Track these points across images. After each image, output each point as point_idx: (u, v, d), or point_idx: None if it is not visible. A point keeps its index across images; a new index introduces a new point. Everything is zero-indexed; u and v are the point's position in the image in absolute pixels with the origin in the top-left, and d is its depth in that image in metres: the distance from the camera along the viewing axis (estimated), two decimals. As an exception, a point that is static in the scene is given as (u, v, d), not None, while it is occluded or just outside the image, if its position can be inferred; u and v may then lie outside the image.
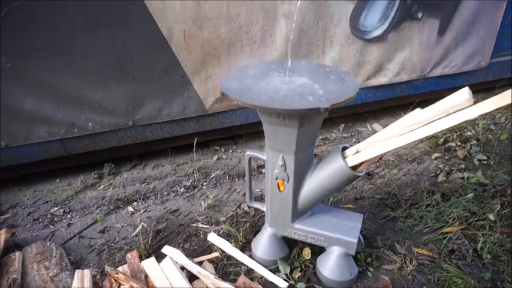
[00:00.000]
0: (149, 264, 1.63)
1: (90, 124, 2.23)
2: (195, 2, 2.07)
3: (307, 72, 1.54)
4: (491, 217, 1.94)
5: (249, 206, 2.06)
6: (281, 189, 1.57)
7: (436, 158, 2.58)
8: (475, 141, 2.71)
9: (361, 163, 1.42)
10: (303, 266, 1.72)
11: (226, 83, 1.42)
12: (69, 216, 2.19)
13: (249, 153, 1.68)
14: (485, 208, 2.01)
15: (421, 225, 1.95)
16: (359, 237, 1.74)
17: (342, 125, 3.01)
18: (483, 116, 1.30)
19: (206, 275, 1.60)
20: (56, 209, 2.23)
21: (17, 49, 1.92)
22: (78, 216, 2.18)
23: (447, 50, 2.92)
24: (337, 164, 1.43)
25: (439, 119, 1.22)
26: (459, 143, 2.66)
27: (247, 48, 2.33)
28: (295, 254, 1.80)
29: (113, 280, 1.56)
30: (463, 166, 2.44)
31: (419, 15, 2.64)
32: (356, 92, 1.31)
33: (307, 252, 1.77)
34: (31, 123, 2.11)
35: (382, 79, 2.81)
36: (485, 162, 2.51)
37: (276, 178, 1.55)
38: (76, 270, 1.62)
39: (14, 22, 1.85)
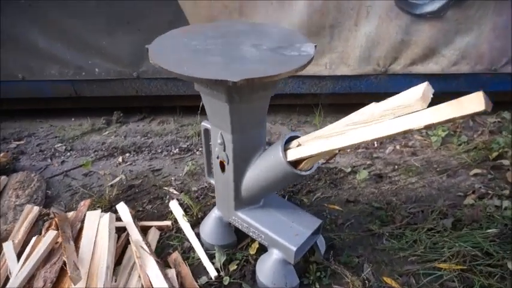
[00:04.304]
0: (90, 217, 1.62)
1: (96, 70, 2.26)
2: (205, -50, 1.88)
3: (259, 36, 1.27)
4: (510, 266, 1.48)
5: (208, 182, 1.91)
6: (223, 170, 1.38)
7: (475, 175, 2.05)
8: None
9: (303, 159, 1.16)
10: (243, 260, 1.53)
11: (159, 42, 1.25)
12: (68, 154, 2.30)
13: (204, 124, 1.50)
14: (508, 253, 1.54)
15: (409, 251, 1.58)
16: (318, 246, 1.49)
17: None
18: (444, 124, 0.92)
19: (136, 241, 1.53)
20: (60, 145, 2.37)
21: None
22: (74, 156, 2.28)
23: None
24: (276, 155, 1.18)
25: (384, 120, 0.90)
26: (515, 163, 2.07)
27: (262, 10, 2.06)
28: (245, 245, 1.61)
29: (54, 222, 1.59)
30: (506, 192, 1.90)
31: (498, -10, 2.03)
32: (292, 69, 1.03)
33: (254, 247, 1.57)
34: (44, 61, 2.21)
35: (433, 67, 2.29)
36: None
37: (217, 157, 1.37)
38: (26, 205, 1.69)
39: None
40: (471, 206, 1.83)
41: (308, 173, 1.19)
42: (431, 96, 0.83)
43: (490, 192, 1.90)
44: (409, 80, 2.35)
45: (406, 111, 0.84)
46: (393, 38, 2.16)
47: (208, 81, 0.98)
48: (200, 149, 2.31)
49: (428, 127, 0.79)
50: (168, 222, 1.74)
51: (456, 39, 2.19)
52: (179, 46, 1.20)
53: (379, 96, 2.61)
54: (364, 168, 2.08)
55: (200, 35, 1.29)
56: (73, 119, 2.62)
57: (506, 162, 2.10)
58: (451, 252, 1.54)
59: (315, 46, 1.19)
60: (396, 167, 2.13)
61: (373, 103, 0.99)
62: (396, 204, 1.83)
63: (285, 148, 1.19)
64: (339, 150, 1.05)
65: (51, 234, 1.47)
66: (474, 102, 0.70)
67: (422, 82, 2.51)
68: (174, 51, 1.17)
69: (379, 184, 2.00)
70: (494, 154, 2.16)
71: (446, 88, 2.40)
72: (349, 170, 2.06)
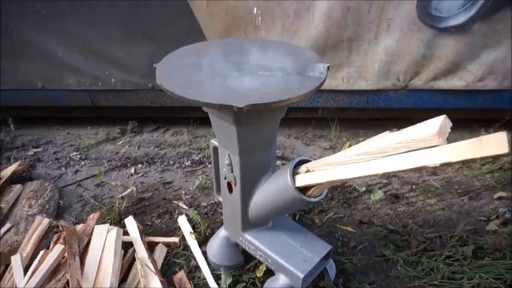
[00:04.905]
0: (98, 231, 1.61)
1: (112, 80, 2.27)
2: (221, -37, 1.86)
3: (270, 56, 1.23)
4: (536, 301, 1.38)
5: (217, 200, 1.87)
6: (230, 191, 1.35)
7: (499, 198, 1.93)
8: None
9: (312, 186, 1.11)
10: (249, 283, 1.49)
11: (167, 61, 1.23)
12: (82, 163, 2.32)
13: (213, 142, 1.47)
14: (533, 286, 1.43)
15: (425, 280, 1.49)
16: (327, 271, 1.43)
17: (395, 130, 2.47)
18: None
19: (142, 258, 1.51)
20: (75, 153, 2.39)
21: (51, -2, 2.02)
22: (88, 165, 2.30)
23: None
24: (284, 180, 1.13)
25: (397, 153, 0.84)
26: (544, 186, 1.94)
27: (279, 23, 2.02)
28: (252, 267, 1.57)
29: (62, 235, 1.59)
30: (533, 218, 1.78)
31: (529, 3, 1.91)
32: (301, 94, 0.98)
33: (261, 269, 1.52)
34: (62, 70, 2.25)
35: (456, 82, 2.18)
36: None
37: (225, 178, 1.33)
38: (37, 216, 1.70)
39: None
40: (494, 233, 1.72)
41: (317, 199, 1.13)
42: (449, 131, 0.77)
43: (516, 218, 1.79)
44: (430, 96, 2.25)
45: (421, 146, 0.78)
46: (415, 52, 2.07)
47: (213, 105, 0.95)
48: (212, 161, 2.29)
49: (445, 165, 0.73)
50: (175, 239, 1.71)
51: (483, 53, 2.08)
52: (187, 66, 1.18)
53: (398, 112, 2.52)
54: (379, 188, 2.00)
55: (210, 53, 1.27)
56: (89, 128, 2.65)
57: (534, 185, 1.97)
58: (471, 283, 1.45)
59: (328, 67, 1.14)
60: (414, 186, 2.03)
61: (386, 132, 0.93)
62: (412, 228, 1.74)
63: (294, 172, 1.14)
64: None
65: (59, 248, 1.47)
66: (497, 143, 0.63)
67: (444, 98, 2.39)
68: (182, 71, 1.14)
69: (395, 205, 1.91)
70: (521, 176, 2.04)
71: (471, 104, 2.29)
72: (363, 189, 1.98)
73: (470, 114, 2.40)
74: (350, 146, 2.40)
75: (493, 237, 1.66)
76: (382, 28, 2.03)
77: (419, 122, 0.81)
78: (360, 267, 1.57)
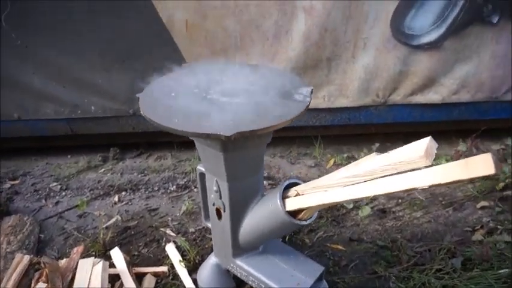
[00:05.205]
0: (83, 265, 1.55)
1: (92, 107, 2.23)
2: (197, -12, 1.88)
3: (254, 80, 1.24)
4: (526, 309, 1.40)
5: (205, 226, 1.84)
6: (219, 217, 1.33)
7: (482, 208, 1.98)
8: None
9: (303, 209, 1.10)
10: (243, 310, 1.46)
11: (149, 90, 1.22)
12: (63, 193, 2.25)
13: (199, 168, 1.45)
14: (522, 295, 1.46)
15: (418, 295, 1.50)
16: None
17: (377, 144, 2.52)
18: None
19: (130, 293, 1.45)
20: (55, 184, 2.31)
21: (27, 27, 1.98)
22: (69, 196, 2.22)
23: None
24: (274, 204, 1.13)
25: (385, 176, 0.85)
26: (523, 194, 2.00)
27: (259, 44, 2.05)
28: (244, 292, 1.54)
29: (44, 273, 1.52)
30: (515, 227, 1.83)
31: (495, 19, 2.01)
32: (288, 119, 0.99)
33: (254, 295, 1.49)
34: (39, 100, 2.20)
35: (432, 96, 2.25)
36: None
37: (213, 204, 1.31)
38: (16, 254, 1.62)
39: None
40: (480, 243, 1.75)
41: (308, 222, 1.13)
42: (435, 152, 0.78)
43: (499, 226, 1.83)
44: (408, 110, 2.32)
45: (409, 168, 0.80)
46: (392, 69, 2.14)
47: (201, 135, 0.94)
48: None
49: (433, 187, 0.74)
50: (164, 268, 1.66)
51: (455, 68, 2.16)
52: (169, 94, 1.17)
53: (379, 127, 2.58)
54: (366, 204, 2.01)
55: (192, 79, 1.26)
56: (69, 156, 2.58)
57: (513, 193, 2.03)
58: (463, 296, 1.46)
59: (312, 90, 1.16)
60: (400, 200, 2.06)
61: (373, 154, 0.94)
62: (402, 243, 1.75)
63: (283, 196, 1.14)
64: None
65: (41, 287, 1.40)
66: (484, 165, 0.64)
67: (422, 111, 2.45)
68: (164, 100, 1.13)
69: (382, 220, 1.93)
70: (501, 184, 2.10)
71: (447, 117, 2.37)
72: (351, 206, 1.99)
73: (448, 126, 2.47)
74: (334, 162, 2.44)
75: (479, 248, 1.69)
76: (359, 47, 2.09)
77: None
78: (353, 286, 1.56)
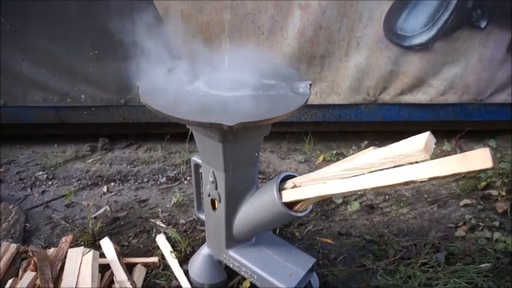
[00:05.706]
0: (72, 255, 1.53)
1: (82, 96, 2.20)
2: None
3: (254, 73, 1.25)
4: (505, 302, 1.46)
5: (197, 217, 1.85)
6: (214, 208, 1.33)
7: (465, 206, 2.05)
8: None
9: (299, 201, 1.12)
10: (234, 301, 1.47)
11: (149, 79, 1.21)
12: (49, 183, 2.20)
13: (194, 159, 1.46)
14: (502, 288, 1.52)
15: (404, 287, 1.55)
16: (311, 285, 1.44)
17: (366, 142, 2.57)
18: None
19: (120, 281, 1.45)
20: (41, 173, 2.27)
21: (17, 12, 1.93)
22: (56, 185, 2.19)
23: (520, 73, 2.29)
24: (270, 195, 1.14)
25: (383, 169, 0.87)
26: (504, 193, 2.08)
27: (253, 39, 2.06)
28: (235, 284, 1.55)
29: (32, 261, 1.50)
30: (496, 224, 1.90)
31: (483, 23, 2.08)
32: (289, 112, 1.00)
33: (245, 285, 1.51)
34: (27, 87, 2.14)
35: (421, 97, 2.31)
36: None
37: (208, 195, 1.32)
38: (3, 243, 1.59)
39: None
40: (462, 239, 1.82)
41: (304, 214, 1.15)
42: (434, 146, 0.82)
43: (480, 223, 1.90)
44: (398, 109, 2.37)
45: (408, 161, 0.82)
46: (383, 68, 2.18)
47: (203, 124, 0.94)
48: (188, 177, 2.25)
49: (433, 179, 0.77)
50: (154, 259, 1.66)
51: (444, 70, 2.23)
52: (171, 83, 1.17)
53: (369, 125, 2.63)
54: (355, 199, 2.06)
55: (192, 70, 1.26)
56: (56, 146, 2.53)
57: (494, 192, 2.11)
58: (446, 289, 1.52)
59: (310, 85, 1.18)
60: (387, 197, 2.11)
61: (371, 148, 0.96)
62: (389, 238, 1.80)
63: (280, 188, 1.15)
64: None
65: (29, 275, 1.38)
66: (481, 159, 0.67)
67: (411, 111, 2.52)
68: (165, 89, 1.13)
69: (370, 215, 1.98)
70: (483, 184, 2.18)
71: (435, 117, 2.44)
72: (340, 201, 2.03)
73: (434, 126, 2.53)
74: (324, 158, 2.48)
75: (462, 243, 1.75)
76: (352, 45, 2.12)
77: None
78: (342, 279, 1.60)
